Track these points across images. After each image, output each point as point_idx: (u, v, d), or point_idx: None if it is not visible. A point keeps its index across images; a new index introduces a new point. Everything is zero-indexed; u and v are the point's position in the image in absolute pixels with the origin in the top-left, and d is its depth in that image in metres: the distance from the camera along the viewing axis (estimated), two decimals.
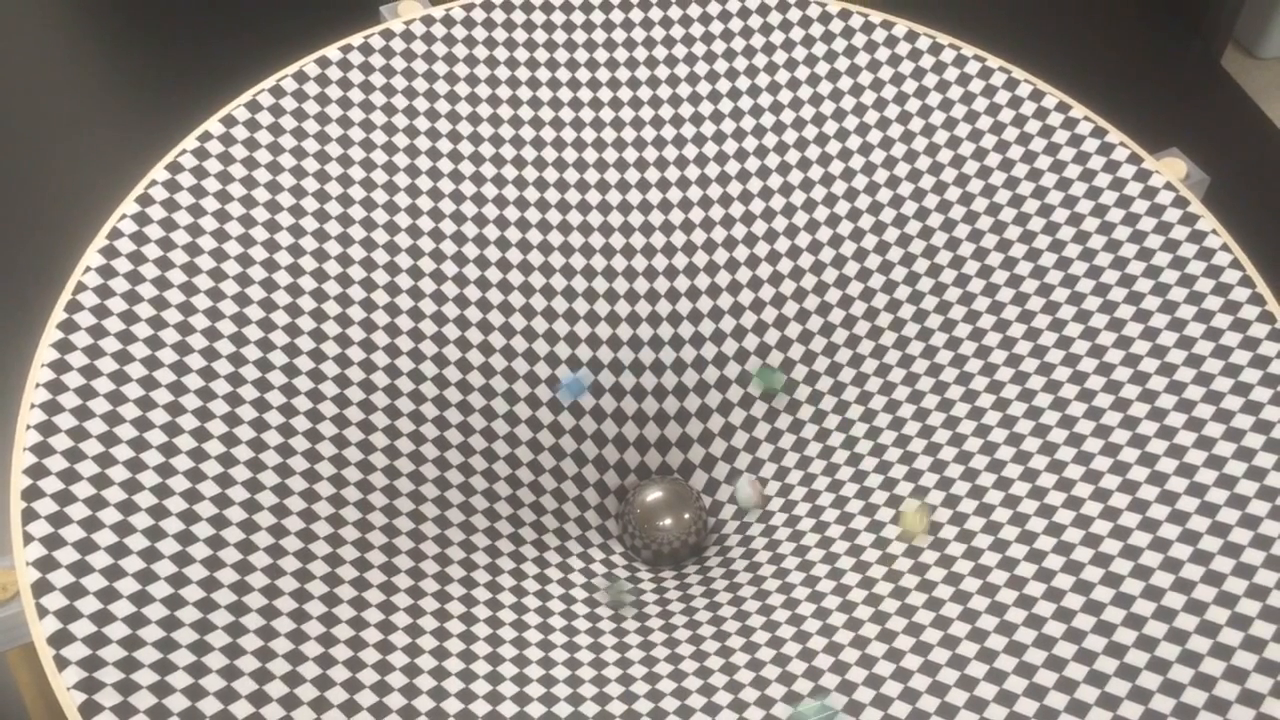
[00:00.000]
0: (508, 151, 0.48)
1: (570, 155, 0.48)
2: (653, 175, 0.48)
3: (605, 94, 0.49)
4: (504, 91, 0.48)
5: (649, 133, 0.48)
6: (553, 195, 0.47)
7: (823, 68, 0.49)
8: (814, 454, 0.45)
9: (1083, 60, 0.71)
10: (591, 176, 0.48)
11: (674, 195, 0.48)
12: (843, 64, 0.48)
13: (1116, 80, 0.70)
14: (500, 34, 0.49)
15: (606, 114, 0.49)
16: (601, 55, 0.49)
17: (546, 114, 0.48)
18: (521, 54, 0.49)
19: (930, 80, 0.47)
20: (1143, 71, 0.70)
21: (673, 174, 0.48)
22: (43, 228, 0.63)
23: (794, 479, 0.45)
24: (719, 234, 0.48)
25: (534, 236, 0.47)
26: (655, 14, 0.50)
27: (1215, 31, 0.73)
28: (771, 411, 0.46)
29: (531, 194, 0.47)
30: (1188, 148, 0.67)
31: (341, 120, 0.46)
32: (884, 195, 0.47)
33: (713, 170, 0.48)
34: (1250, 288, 0.41)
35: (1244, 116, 0.68)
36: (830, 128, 0.48)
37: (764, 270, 0.47)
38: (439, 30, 0.49)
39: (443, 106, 0.48)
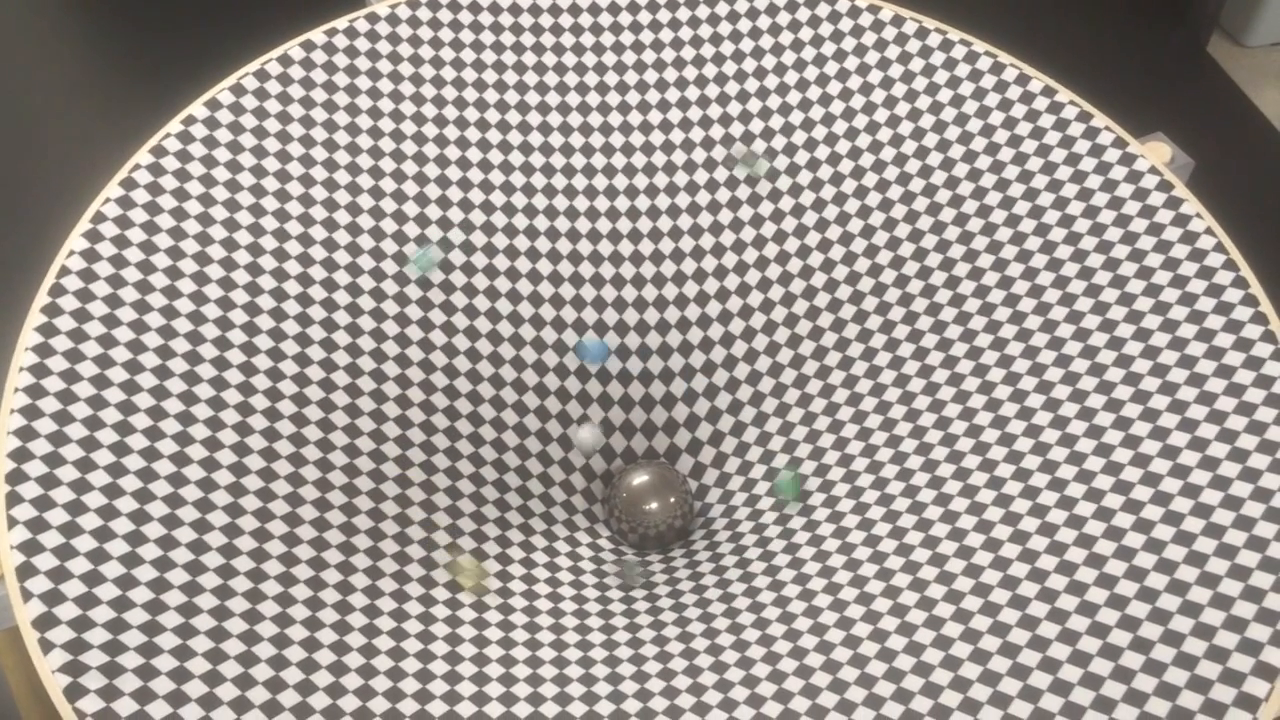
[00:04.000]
0: (494, 136, 0.47)
1: (557, 140, 0.48)
2: (639, 160, 0.48)
3: (592, 78, 0.49)
4: (490, 76, 0.48)
5: (635, 117, 0.48)
6: (539, 180, 0.47)
7: (809, 53, 0.49)
8: (799, 437, 0.45)
9: (1069, 46, 0.71)
10: (578, 161, 0.48)
11: (660, 180, 0.48)
12: (829, 49, 0.48)
13: (1102, 66, 0.70)
14: (486, 18, 0.49)
15: (593, 98, 0.48)
16: (588, 39, 0.49)
17: (533, 99, 0.48)
18: (507, 38, 0.49)
19: (916, 65, 0.47)
20: (1129, 58, 0.70)
21: (659, 159, 0.48)
22: (26, 212, 0.63)
23: (779, 463, 0.45)
24: (705, 219, 0.48)
25: (520, 221, 0.47)
26: None
27: (1201, 19, 0.73)
28: (757, 395, 0.46)
29: (518, 179, 0.47)
30: (1173, 132, 0.67)
31: (326, 104, 0.46)
32: (869, 180, 0.47)
33: (699, 155, 0.48)
34: (1234, 271, 0.41)
35: (1229, 102, 0.68)
36: (816, 113, 0.48)
37: (750, 255, 0.47)
38: (424, 14, 0.48)
39: (428, 91, 0.47)
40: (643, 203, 0.48)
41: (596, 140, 0.48)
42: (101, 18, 0.71)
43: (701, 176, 0.48)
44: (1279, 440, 0.38)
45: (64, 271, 0.41)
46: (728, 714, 0.38)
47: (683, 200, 0.48)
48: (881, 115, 0.47)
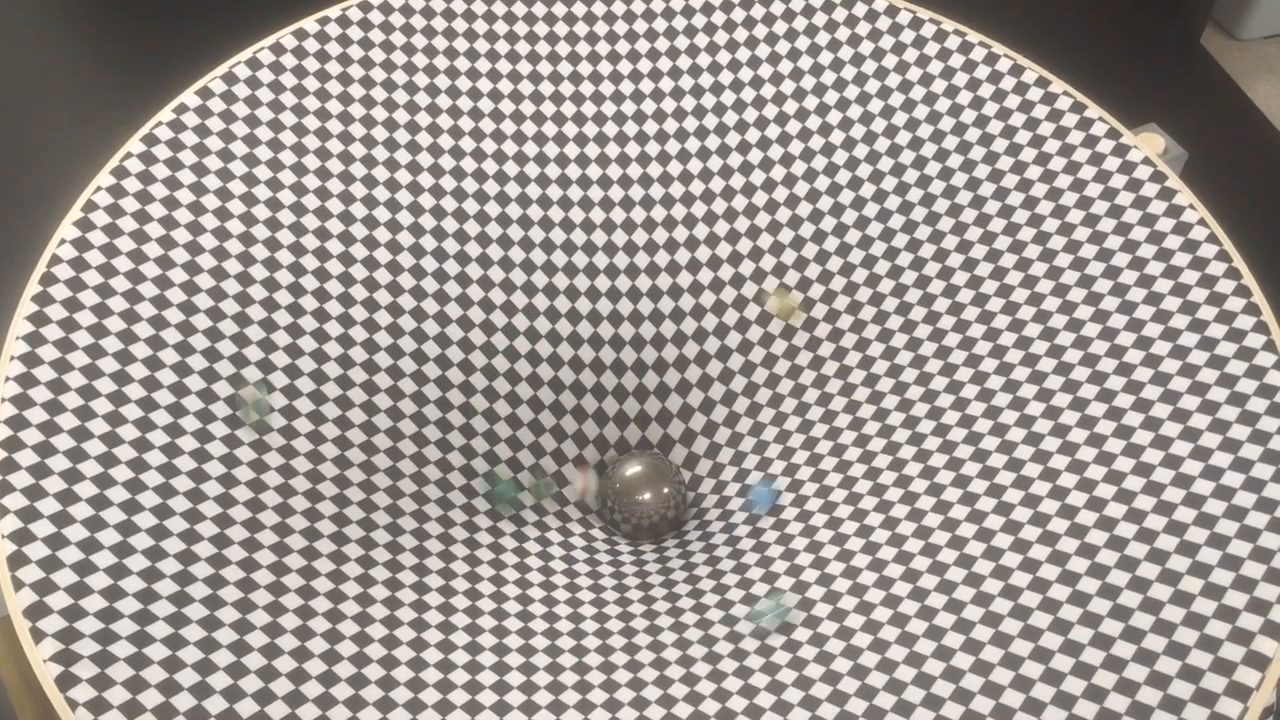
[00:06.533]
0: (487, 125, 0.47)
1: (550, 129, 0.48)
2: (633, 150, 0.48)
3: (585, 68, 0.49)
4: (483, 65, 0.48)
5: (629, 106, 0.48)
6: (532, 170, 0.47)
7: (803, 42, 0.48)
8: (793, 428, 0.45)
9: (1062, 37, 0.71)
10: (571, 151, 0.48)
11: (654, 170, 0.48)
12: (823, 39, 0.48)
13: (1096, 57, 0.70)
14: (480, 7, 0.49)
15: (586, 88, 0.48)
16: (581, 29, 0.49)
17: (526, 88, 0.48)
18: (501, 27, 0.49)
19: (910, 55, 0.47)
20: (1123, 49, 0.70)
21: (653, 148, 0.48)
22: (16, 201, 0.63)
23: (773, 453, 0.45)
24: (699, 209, 0.48)
25: (514, 211, 0.47)
26: None
27: (1195, 12, 0.73)
28: (751, 386, 0.46)
29: (511, 168, 0.47)
30: (1166, 124, 0.67)
31: (319, 93, 0.46)
32: (864, 170, 0.47)
33: (693, 145, 0.48)
34: (1227, 262, 0.41)
35: (1222, 94, 0.69)
36: (810, 103, 0.48)
37: (744, 245, 0.47)
38: (416, 3, 0.48)
39: (421, 80, 0.47)
40: (636, 192, 0.48)
41: (590, 129, 0.48)
42: (92, 5, 0.71)
43: (695, 165, 0.48)
44: (1269, 431, 0.38)
45: (55, 260, 0.40)
46: (720, 703, 0.38)
47: (675, 189, 0.48)
48: (875, 106, 0.47)
